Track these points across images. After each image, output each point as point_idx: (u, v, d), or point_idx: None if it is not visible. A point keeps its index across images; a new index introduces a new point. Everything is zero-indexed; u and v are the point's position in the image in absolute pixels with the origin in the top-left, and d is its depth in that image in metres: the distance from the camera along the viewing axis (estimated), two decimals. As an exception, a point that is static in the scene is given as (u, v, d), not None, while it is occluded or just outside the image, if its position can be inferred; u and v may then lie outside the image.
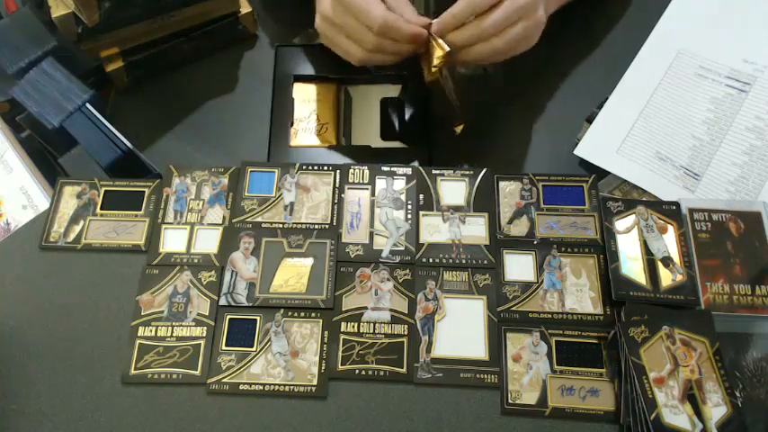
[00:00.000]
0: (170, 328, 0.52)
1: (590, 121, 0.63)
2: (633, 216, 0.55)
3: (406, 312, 0.53)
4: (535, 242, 0.55)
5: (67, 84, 0.60)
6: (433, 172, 0.58)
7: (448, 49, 0.54)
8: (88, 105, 0.60)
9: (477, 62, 0.57)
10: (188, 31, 0.68)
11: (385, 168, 0.59)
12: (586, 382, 0.50)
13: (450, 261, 0.54)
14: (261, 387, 0.50)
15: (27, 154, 0.62)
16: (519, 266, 0.54)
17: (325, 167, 0.59)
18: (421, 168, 0.58)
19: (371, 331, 0.52)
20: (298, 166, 0.59)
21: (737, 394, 0.48)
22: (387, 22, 0.54)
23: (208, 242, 0.56)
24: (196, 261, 0.55)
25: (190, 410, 0.50)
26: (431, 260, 0.54)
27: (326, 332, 0.52)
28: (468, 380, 0.50)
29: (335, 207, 0.57)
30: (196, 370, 0.51)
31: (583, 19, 0.71)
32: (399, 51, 0.57)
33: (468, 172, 0.58)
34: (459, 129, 0.61)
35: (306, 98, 0.66)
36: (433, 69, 0.56)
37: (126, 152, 0.60)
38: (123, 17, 0.62)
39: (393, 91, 0.67)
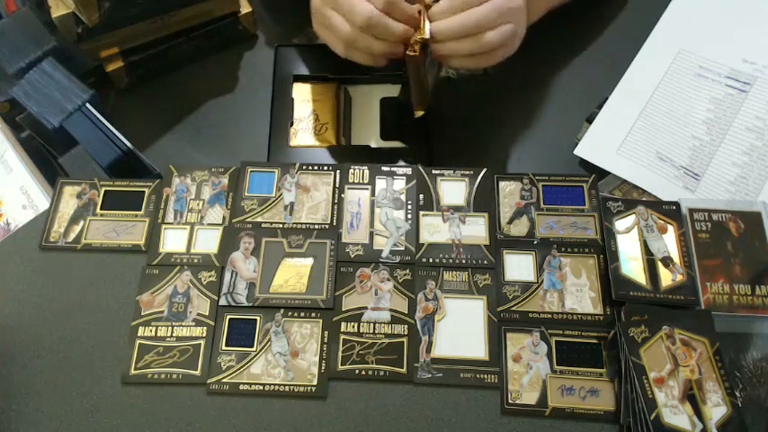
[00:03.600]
0: (170, 328, 0.52)
1: (590, 121, 0.63)
2: (633, 216, 0.55)
3: (406, 312, 0.53)
4: (535, 242, 0.55)
5: (67, 84, 0.60)
6: (433, 172, 0.58)
7: (427, 36, 0.53)
8: (88, 105, 0.60)
9: (455, 56, 0.55)
10: (188, 31, 0.68)
11: (385, 168, 0.59)
12: (586, 382, 0.50)
13: (451, 261, 0.54)
14: (261, 387, 0.50)
15: (27, 154, 0.62)
16: (519, 266, 0.54)
17: (325, 167, 0.59)
18: (421, 168, 0.58)
19: (371, 331, 0.52)
20: (298, 166, 0.59)
21: (737, 394, 0.48)
22: (371, 19, 0.52)
23: (208, 242, 0.56)
24: (196, 261, 0.55)
25: (190, 410, 0.50)
26: (431, 260, 0.54)
27: (326, 332, 0.52)
28: (468, 380, 0.50)
29: (335, 207, 0.57)
30: (196, 370, 0.51)
31: (583, 19, 0.71)
32: (380, 50, 0.55)
33: (468, 172, 0.58)
34: (420, 113, 0.60)
35: (306, 98, 0.66)
36: (410, 53, 0.54)
37: (126, 152, 0.60)
38: (123, 17, 0.62)
39: (393, 91, 0.67)
